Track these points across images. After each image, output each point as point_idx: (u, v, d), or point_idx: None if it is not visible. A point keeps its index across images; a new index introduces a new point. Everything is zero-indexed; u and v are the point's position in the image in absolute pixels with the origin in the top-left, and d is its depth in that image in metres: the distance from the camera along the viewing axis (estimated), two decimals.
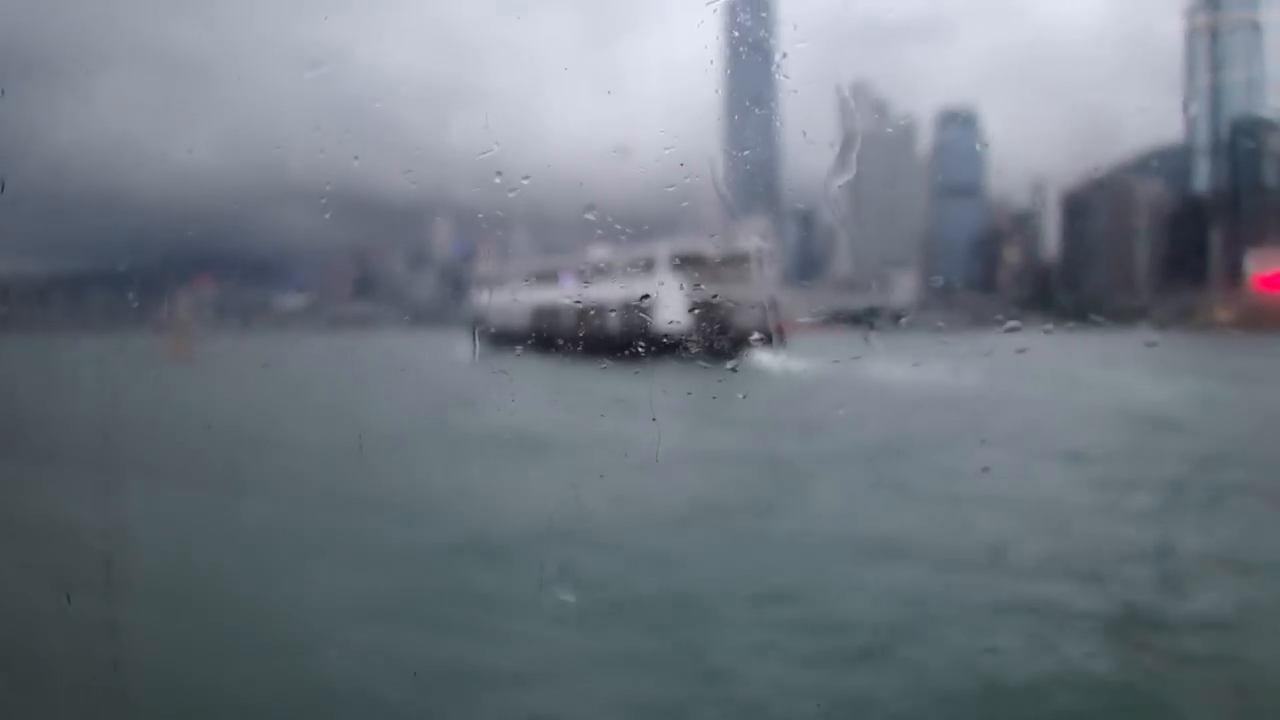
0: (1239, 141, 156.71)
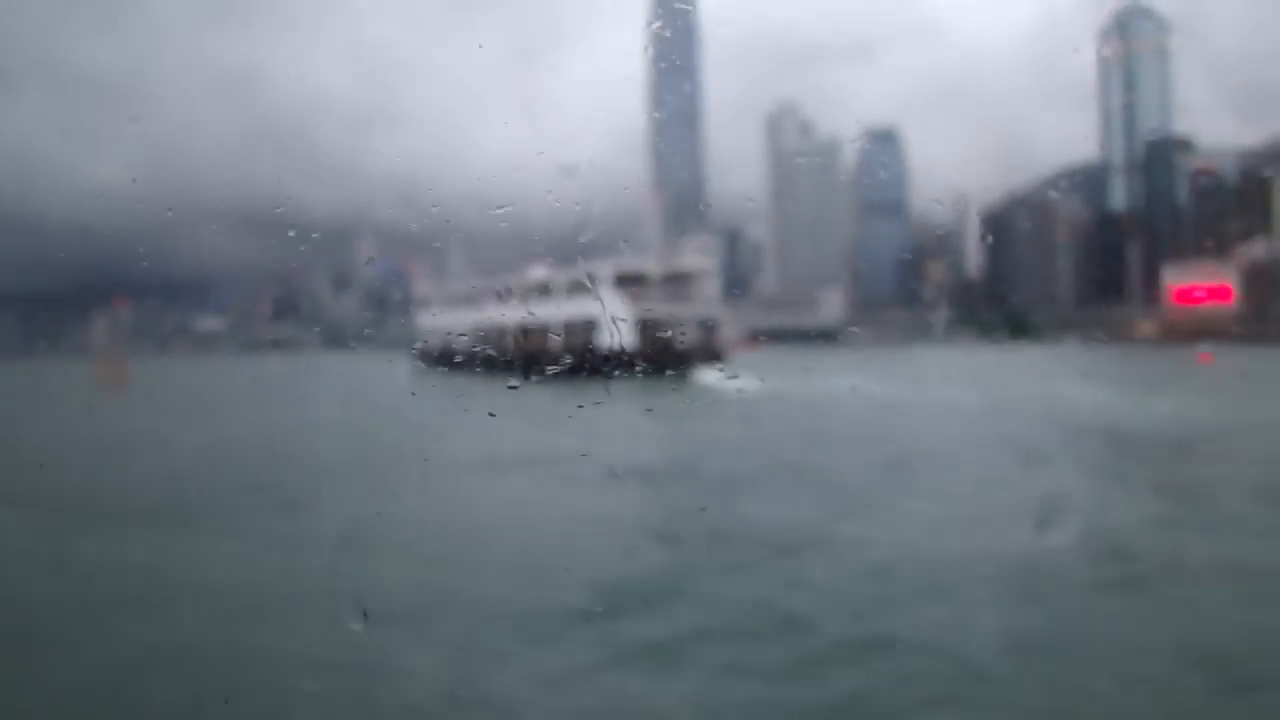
0: (1153, 160, 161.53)
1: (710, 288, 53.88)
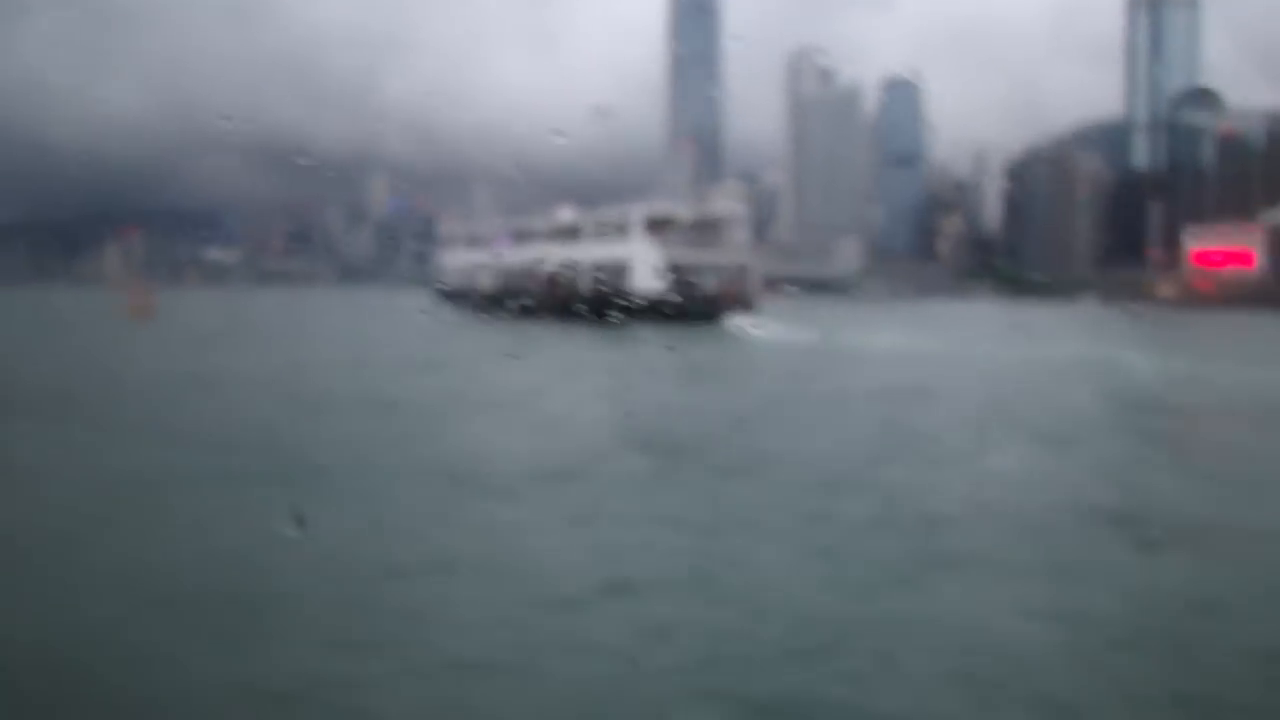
0: (1178, 118, 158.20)
1: (741, 234, 52.25)
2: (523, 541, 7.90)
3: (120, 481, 9.75)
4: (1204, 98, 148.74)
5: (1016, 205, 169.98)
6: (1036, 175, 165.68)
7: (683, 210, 49.68)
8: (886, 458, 12.03)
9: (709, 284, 41.60)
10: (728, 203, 64.78)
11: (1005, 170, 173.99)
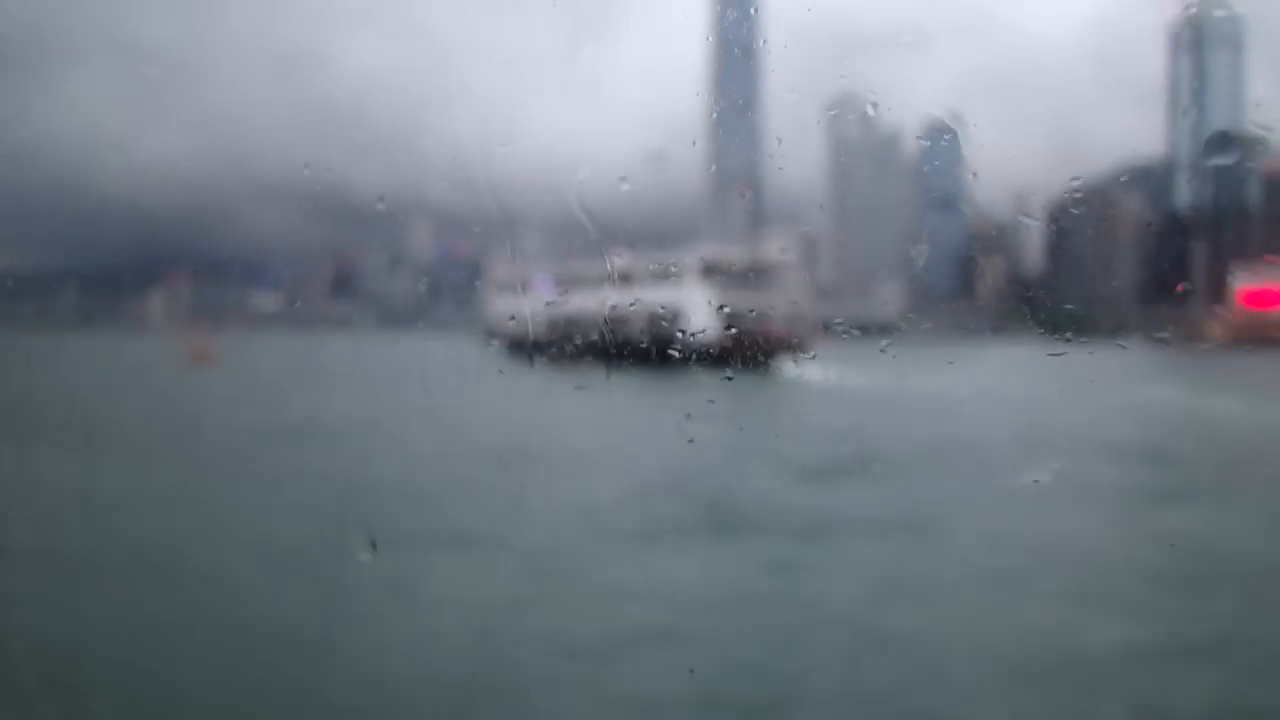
0: (1221, 159, 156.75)
1: (796, 279, 52.58)
2: None
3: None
4: (1248, 138, 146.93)
5: (1057, 247, 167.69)
6: (1078, 216, 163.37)
7: (738, 255, 49.69)
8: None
9: (763, 327, 41.24)
10: (781, 248, 64.54)
11: (1046, 212, 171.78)
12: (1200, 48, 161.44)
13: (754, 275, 52.22)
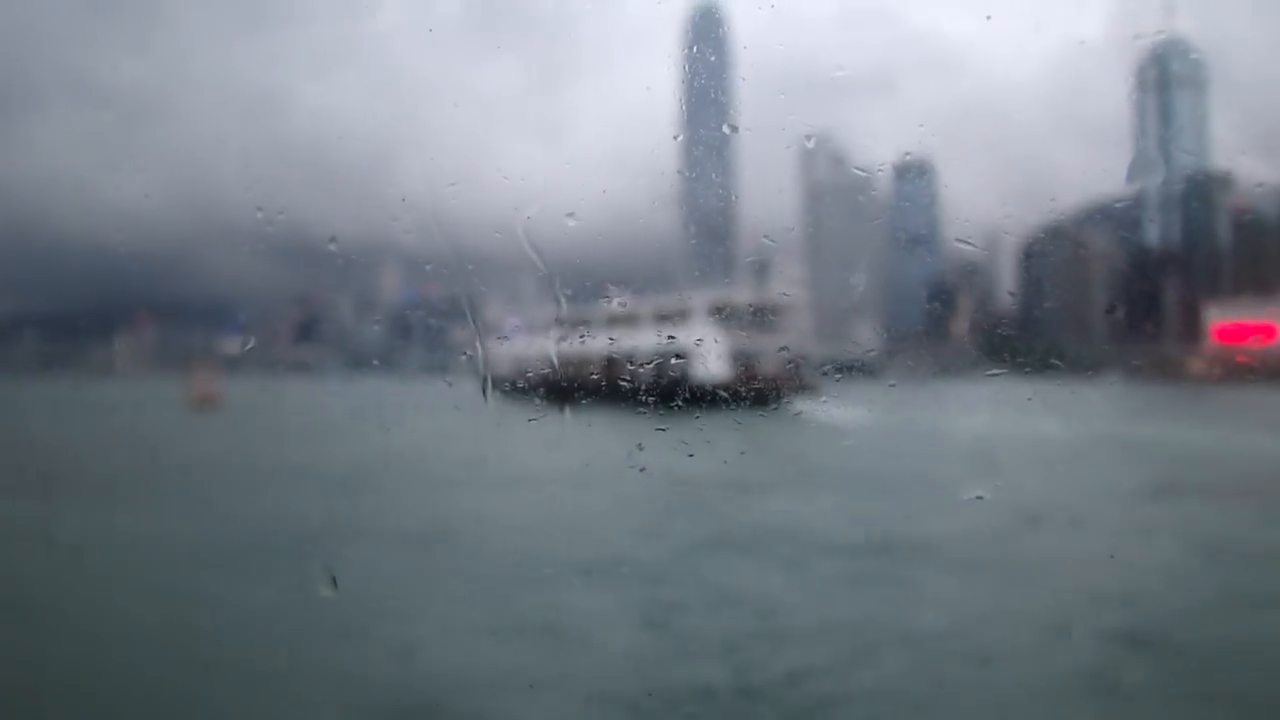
0: (1190, 196, 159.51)
1: (801, 320, 52.01)
2: None
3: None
4: (1215, 181, 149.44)
5: (1029, 284, 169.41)
6: (1048, 253, 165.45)
7: (744, 296, 49.32)
8: None
9: (770, 369, 40.99)
10: (784, 289, 64.66)
11: (1017, 249, 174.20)
12: (1165, 88, 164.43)
13: (761, 316, 51.76)
